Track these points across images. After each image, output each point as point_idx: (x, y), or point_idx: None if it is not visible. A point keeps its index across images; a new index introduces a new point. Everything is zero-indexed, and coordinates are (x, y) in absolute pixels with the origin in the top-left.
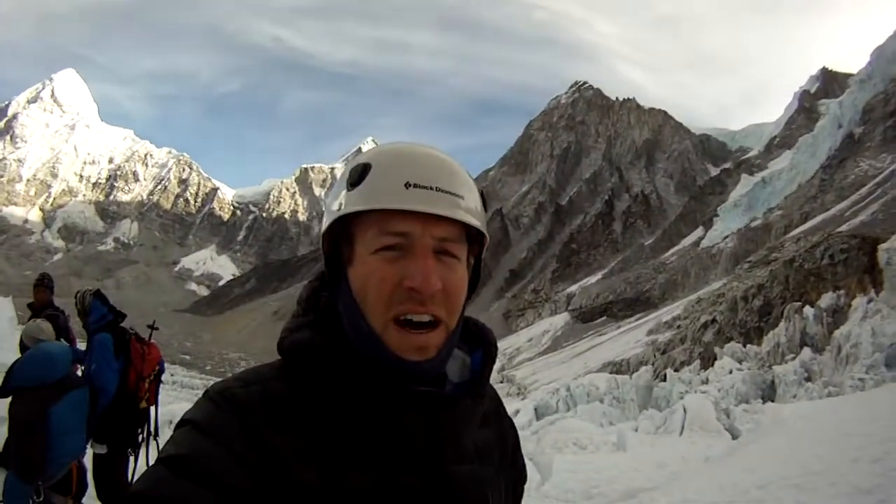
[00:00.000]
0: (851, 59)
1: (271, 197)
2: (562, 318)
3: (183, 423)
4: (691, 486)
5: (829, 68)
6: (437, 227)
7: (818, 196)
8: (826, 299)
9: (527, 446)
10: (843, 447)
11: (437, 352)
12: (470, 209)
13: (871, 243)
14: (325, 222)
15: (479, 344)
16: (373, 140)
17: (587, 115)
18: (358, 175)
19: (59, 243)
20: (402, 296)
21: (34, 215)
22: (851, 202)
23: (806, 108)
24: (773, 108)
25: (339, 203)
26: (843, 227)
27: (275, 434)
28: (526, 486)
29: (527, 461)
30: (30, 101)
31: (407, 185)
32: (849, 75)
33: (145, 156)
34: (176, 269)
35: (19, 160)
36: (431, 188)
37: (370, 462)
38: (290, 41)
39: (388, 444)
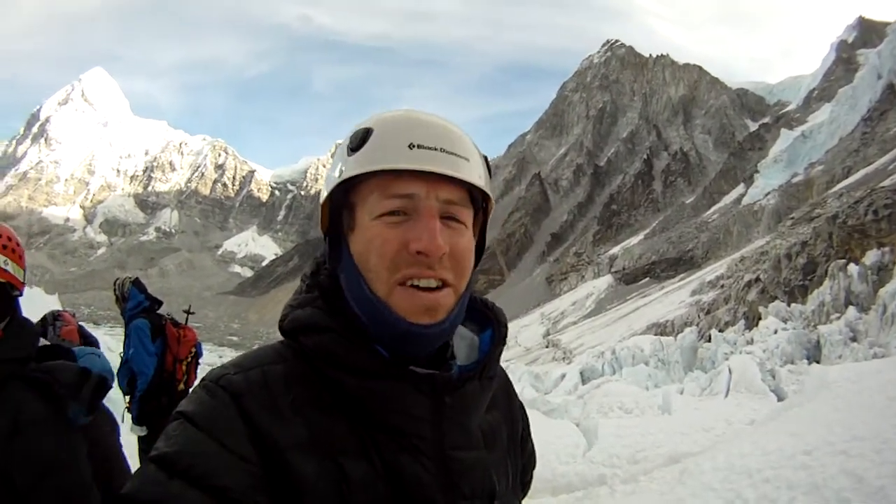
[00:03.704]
0: (889, 7)
1: (308, 175)
2: (605, 281)
3: (176, 415)
4: (736, 450)
5: (866, 17)
6: (443, 189)
7: (860, 150)
8: (871, 256)
9: (573, 411)
10: (889, 412)
11: (447, 314)
12: (475, 171)
13: None
14: (325, 191)
15: (488, 324)
16: None
17: (621, 73)
18: (359, 140)
19: (102, 238)
20: (408, 259)
21: (75, 213)
22: (894, 155)
23: (844, 59)
24: (811, 60)
25: (339, 170)
26: (887, 182)
27: (273, 423)
28: (573, 452)
29: (573, 426)
30: (61, 104)
31: (411, 146)
32: (887, 24)
33: (180, 145)
34: (219, 252)
35: (56, 162)
36: (436, 149)
37: (371, 448)
38: (317, 18)
39: (391, 430)
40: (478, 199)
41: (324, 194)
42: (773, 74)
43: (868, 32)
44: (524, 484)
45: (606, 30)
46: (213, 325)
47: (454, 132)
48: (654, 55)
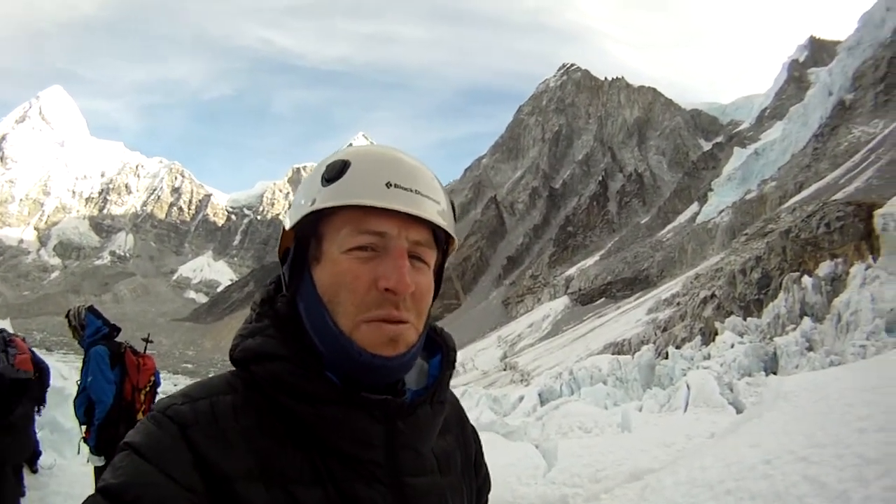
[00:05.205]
0: (839, 27)
1: (265, 199)
2: (561, 302)
3: (123, 446)
4: (697, 464)
5: (817, 37)
6: (413, 230)
7: (812, 165)
8: (824, 268)
9: (532, 433)
10: (848, 418)
11: (407, 349)
12: (444, 214)
13: (866, 209)
14: (293, 218)
15: (437, 349)
16: (364, 136)
17: (576, 96)
18: (337, 172)
19: (56, 261)
20: (377, 298)
21: (29, 235)
22: (845, 169)
23: (795, 78)
24: (764, 80)
25: (311, 198)
26: (838, 195)
27: (221, 453)
28: (533, 473)
29: (533, 447)
30: (18, 122)
31: (388, 185)
32: (837, 43)
33: (136, 167)
34: (174, 278)
35: (11, 181)
36: (412, 190)
37: (325, 476)
38: (279, 42)
39: (343, 456)
40: (441, 241)
41: (289, 222)
42: (727, 95)
43: (819, 52)
44: None
45: (563, 53)
46: (168, 352)
47: (427, 174)
48: (610, 78)
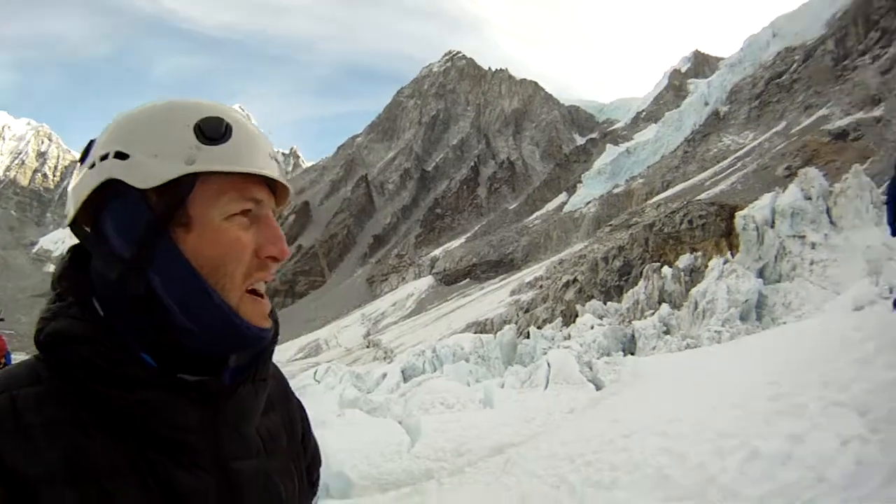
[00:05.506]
0: (724, 46)
1: None
2: (425, 282)
3: None
4: (557, 438)
5: (702, 51)
6: (272, 200)
7: (680, 166)
8: (684, 260)
9: (395, 409)
10: (703, 396)
11: (273, 321)
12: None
13: (728, 210)
14: (163, 174)
15: None
16: (240, 106)
17: (458, 83)
18: (219, 132)
19: None
20: (258, 265)
21: None
22: (712, 173)
23: (675, 86)
24: (643, 85)
25: (184, 156)
26: (703, 196)
27: (23, 454)
28: (397, 449)
29: (396, 423)
30: None
31: (269, 155)
32: (720, 59)
33: (2, 128)
34: (34, 250)
35: None
36: (273, 158)
37: (142, 466)
38: (165, 2)
39: (163, 443)
40: None
41: (162, 177)
42: (607, 95)
43: (701, 65)
44: (312, 483)
45: (453, 40)
46: (28, 331)
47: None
48: (494, 69)
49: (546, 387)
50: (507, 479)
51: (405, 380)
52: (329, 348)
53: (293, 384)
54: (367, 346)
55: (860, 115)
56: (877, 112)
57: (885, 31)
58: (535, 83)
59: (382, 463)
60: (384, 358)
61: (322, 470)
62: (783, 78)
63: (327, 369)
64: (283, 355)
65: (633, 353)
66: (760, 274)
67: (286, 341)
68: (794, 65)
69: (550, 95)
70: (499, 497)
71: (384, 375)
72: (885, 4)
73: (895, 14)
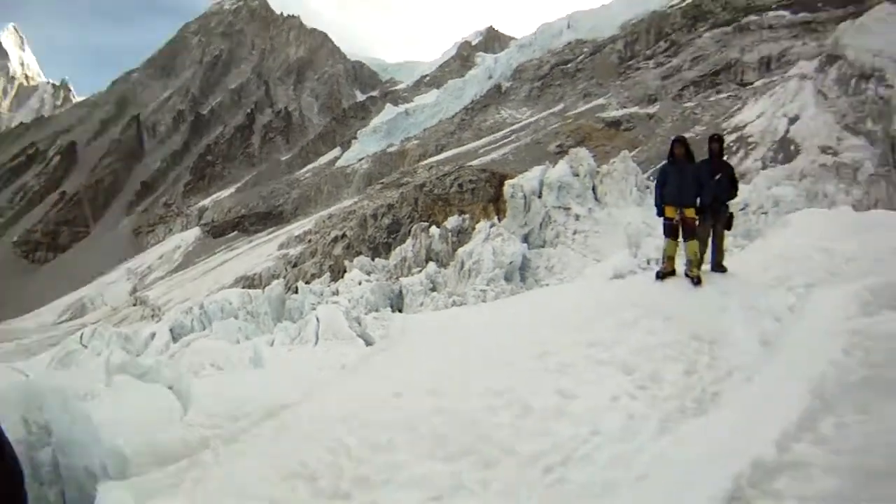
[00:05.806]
0: (519, 29)
1: None
2: (193, 234)
3: None
4: (331, 398)
5: (496, 29)
6: None
7: (456, 132)
8: (452, 221)
9: (165, 372)
10: (471, 353)
11: None
12: None
13: (499, 178)
14: None
15: None
16: (14, 27)
17: (247, 24)
18: None
19: None
20: None
21: None
22: (487, 142)
23: (463, 56)
24: (432, 52)
25: None
26: (475, 162)
27: None
28: (169, 417)
29: (167, 389)
30: None
31: None
32: (512, 38)
33: None
34: None
35: None
36: None
37: None
38: None
39: None
40: None
41: None
42: (394, 56)
43: (492, 41)
44: None
45: None
46: None
47: None
48: (286, 14)
49: (316, 343)
50: (283, 444)
51: (174, 339)
52: (95, 308)
53: (58, 351)
54: (135, 304)
55: (635, 109)
56: (651, 109)
57: (674, 42)
58: (325, 34)
59: (156, 433)
60: (152, 316)
61: (95, 447)
62: (569, 65)
63: (94, 332)
64: (48, 318)
65: (400, 310)
66: (525, 239)
67: (51, 301)
68: (582, 56)
69: (338, 48)
70: (277, 466)
71: (153, 335)
72: (679, 22)
73: (687, 31)
